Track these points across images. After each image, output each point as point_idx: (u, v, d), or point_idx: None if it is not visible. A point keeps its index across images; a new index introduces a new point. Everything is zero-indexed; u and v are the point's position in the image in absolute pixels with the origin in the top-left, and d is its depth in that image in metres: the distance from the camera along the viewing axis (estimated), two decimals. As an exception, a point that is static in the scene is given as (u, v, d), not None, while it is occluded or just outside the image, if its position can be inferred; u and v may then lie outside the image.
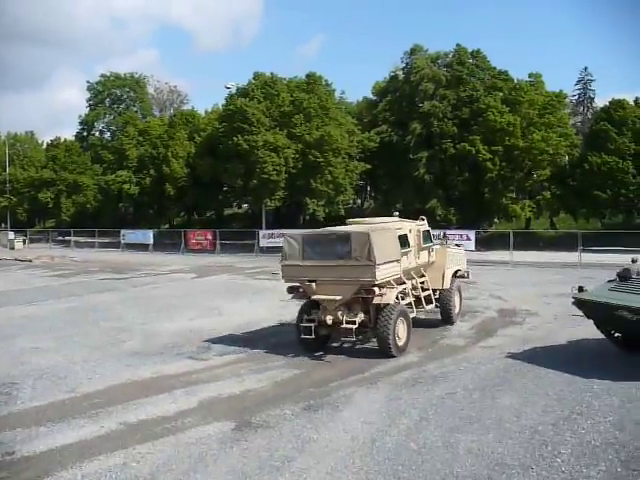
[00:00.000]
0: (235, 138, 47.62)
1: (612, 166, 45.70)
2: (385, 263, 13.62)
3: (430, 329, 16.34)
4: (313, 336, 13.64)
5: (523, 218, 51.35)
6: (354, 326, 13.33)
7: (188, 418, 9.29)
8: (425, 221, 17.40)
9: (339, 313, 13.69)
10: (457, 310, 17.53)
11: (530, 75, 52.71)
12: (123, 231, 55.44)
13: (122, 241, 54.51)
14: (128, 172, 58.58)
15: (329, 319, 13.58)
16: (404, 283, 14.85)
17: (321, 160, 47.38)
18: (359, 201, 65.59)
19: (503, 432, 8.26)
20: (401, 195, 51.58)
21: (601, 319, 12.53)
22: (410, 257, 15.49)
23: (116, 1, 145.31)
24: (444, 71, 53.43)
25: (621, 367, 11.38)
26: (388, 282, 13.98)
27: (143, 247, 52.00)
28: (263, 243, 46.18)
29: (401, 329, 13.76)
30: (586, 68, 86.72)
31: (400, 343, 13.65)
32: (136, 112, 75.63)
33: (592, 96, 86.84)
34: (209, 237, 49.90)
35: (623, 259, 26.48)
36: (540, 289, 23.26)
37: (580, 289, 12.61)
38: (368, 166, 51.86)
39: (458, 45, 54.11)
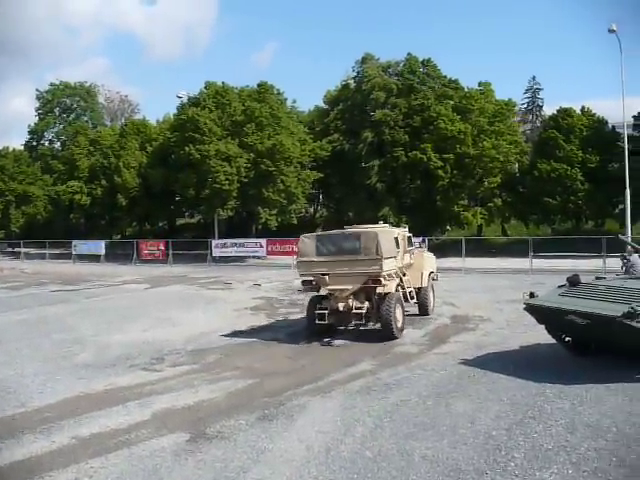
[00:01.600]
0: (187, 148, 47.39)
1: (561, 173, 46.47)
2: (388, 258, 16.27)
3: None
4: (327, 321, 16.08)
5: (475, 225, 51.90)
6: (363, 311, 16.14)
7: (142, 430, 9.14)
8: (407, 228, 20.30)
9: (349, 301, 16.25)
10: (432, 305, 20.20)
11: (480, 84, 53.48)
12: (74, 242, 54.54)
13: (74, 252, 53.67)
14: (79, 182, 57.90)
15: (341, 306, 16.17)
16: (399, 277, 17.59)
17: (273, 169, 47.37)
18: (311, 210, 65.63)
19: (457, 438, 8.28)
20: (353, 203, 51.78)
21: (552, 324, 12.67)
22: (399, 257, 17.75)
23: (68, 9, 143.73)
24: (395, 80, 53.85)
25: (572, 371, 11.49)
26: (389, 274, 16.57)
27: (95, 258, 51.37)
28: (216, 253, 45.98)
29: (399, 314, 16.37)
30: (534, 77, 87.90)
31: (399, 325, 16.26)
32: (87, 122, 74.90)
33: (541, 104, 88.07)
34: (161, 247, 49.46)
35: (573, 264, 26.92)
36: (492, 295, 23.46)
37: (531, 295, 12.74)
38: (320, 175, 51.99)
39: (409, 54, 54.73)
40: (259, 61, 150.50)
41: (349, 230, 18.19)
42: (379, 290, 16.29)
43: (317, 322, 16.21)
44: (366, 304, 16.31)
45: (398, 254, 17.58)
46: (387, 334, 15.83)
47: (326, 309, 16.25)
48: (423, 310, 19.59)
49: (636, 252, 17.13)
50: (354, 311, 16.16)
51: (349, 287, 16.20)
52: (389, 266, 16.42)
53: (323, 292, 16.91)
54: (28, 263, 52.95)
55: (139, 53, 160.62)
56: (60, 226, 61.78)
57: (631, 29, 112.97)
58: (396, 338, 15.76)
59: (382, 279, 16.09)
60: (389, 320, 15.76)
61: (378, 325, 16.57)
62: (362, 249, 15.96)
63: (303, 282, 17.33)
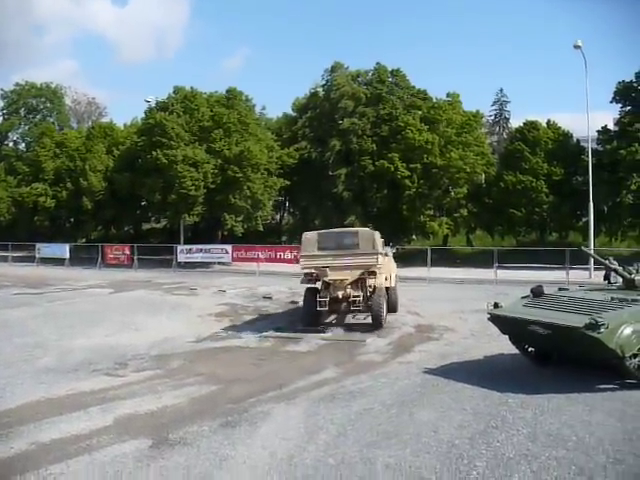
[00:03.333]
0: (154, 152, 47.04)
1: (526, 185, 46.93)
2: (380, 254, 18.98)
3: (348, 345, 16.43)
4: (327, 308, 18.70)
5: (440, 235, 52.13)
6: (360, 297, 18.61)
7: (103, 436, 9.04)
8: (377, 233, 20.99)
9: (347, 290, 18.75)
10: (397, 303, 22.12)
11: (448, 95, 53.76)
12: (38, 245, 53.84)
13: (37, 255, 52.92)
14: (44, 185, 57.11)
15: (340, 294, 18.72)
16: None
17: (240, 175, 47.21)
18: (278, 217, 65.58)
19: (421, 447, 8.31)
20: (320, 211, 51.85)
21: (515, 334, 12.79)
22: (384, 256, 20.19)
23: (35, 8, 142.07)
24: (364, 89, 53.97)
25: (534, 381, 11.60)
26: (379, 269, 19.01)
27: (59, 261, 50.71)
28: (181, 258, 45.70)
29: (385, 306, 18.76)
30: (502, 90, 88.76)
31: (385, 315, 18.75)
32: (53, 123, 73.93)
33: (507, 117, 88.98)
34: (127, 252, 49.03)
35: (537, 275, 27.15)
36: (457, 305, 23.53)
37: (495, 305, 12.84)
38: (287, 182, 51.86)
39: (378, 64, 54.83)
40: (230, 67, 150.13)
41: (347, 229, 21.55)
42: (371, 282, 18.93)
43: (318, 308, 18.55)
44: (361, 292, 18.82)
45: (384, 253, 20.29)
46: (377, 322, 18.30)
47: (326, 297, 18.59)
48: (392, 308, 21.11)
49: (596, 263, 17.32)
50: (352, 298, 18.66)
51: (347, 277, 18.74)
52: (381, 261, 19.16)
53: (318, 285, 19.40)
54: (-10, 266, 52.36)
55: (108, 55, 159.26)
56: (24, 228, 60.84)
57: (597, 45, 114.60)
58: (382, 326, 18.29)
59: (377, 271, 18.80)
60: (380, 310, 18.31)
61: (368, 319, 19.01)
62: (360, 245, 18.72)
63: (305, 275, 19.39)
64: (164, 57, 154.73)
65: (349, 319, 20.64)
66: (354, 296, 18.69)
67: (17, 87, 75.36)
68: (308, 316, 19.11)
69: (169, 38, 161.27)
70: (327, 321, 20.14)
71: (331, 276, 18.70)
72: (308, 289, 19.45)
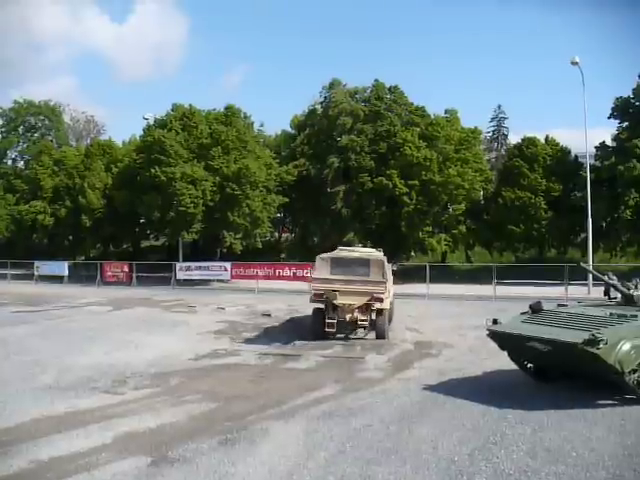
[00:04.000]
0: (152, 170, 47.00)
1: (525, 201, 47.02)
2: (387, 282, 20.52)
3: (347, 362, 16.42)
4: (335, 330, 19.69)
5: (439, 251, 52.09)
6: (366, 323, 19.94)
7: (103, 454, 9.02)
8: (382, 251, 23.53)
9: (355, 314, 19.86)
10: (393, 315, 23.23)
11: (446, 111, 53.84)
12: (37, 262, 53.55)
13: (36, 273, 52.65)
14: (42, 202, 57.07)
15: (348, 317, 19.95)
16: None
17: (239, 193, 47.17)
18: (276, 234, 65.52)
19: (420, 463, 8.29)
20: (319, 228, 51.91)
21: (514, 350, 12.78)
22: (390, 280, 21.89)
23: (34, 26, 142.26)
24: (362, 106, 54.06)
25: (534, 397, 11.59)
26: (385, 296, 20.05)
27: (58, 279, 50.57)
28: (180, 276, 45.58)
29: (388, 325, 20.56)
30: (500, 106, 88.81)
31: (388, 332, 20.32)
32: (51, 141, 73.86)
33: (505, 133, 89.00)
34: (125, 269, 48.91)
35: (536, 291, 27.14)
36: (456, 321, 23.54)
37: (494, 321, 12.83)
38: (286, 199, 51.90)
39: (376, 80, 54.91)
40: (229, 83, 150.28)
41: (359, 255, 21.38)
42: (378, 306, 19.83)
43: (327, 330, 19.59)
44: (367, 316, 20.01)
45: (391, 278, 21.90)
46: (381, 338, 19.80)
47: (334, 319, 19.67)
48: (390, 320, 22.04)
49: (595, 279, 17.32)
50: (359, 323, 19.96)
51: (356, 302, 19.73)
52: (388, 288, 20.69)
53: (322, 305, 20.28)
54: (-12, 284, 52.21)
55: (107, 72, 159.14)
56: (22, 246, 60.75)
57: (595, 61, 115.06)
58: (386, 339, 19.76)
59: (383, 298, 19.80)
60: (384, 330, 20.01)
61: (370, 334, 20.34)
62: (371, 273, 19.84)
63: (315, 295, 20.20)
64: (163, 74, 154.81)
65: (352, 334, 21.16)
66: (361, 320, 19.90)
67: (15, 105, 75.32)
68: (315, 334, 20.09)
69: (168, 55, 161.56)
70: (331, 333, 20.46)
71: (340, 300, 19.58)
72: (316, 308, 20.54)
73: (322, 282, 20.08)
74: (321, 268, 20.46)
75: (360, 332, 20.71)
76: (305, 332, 21.38)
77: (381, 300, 19.76)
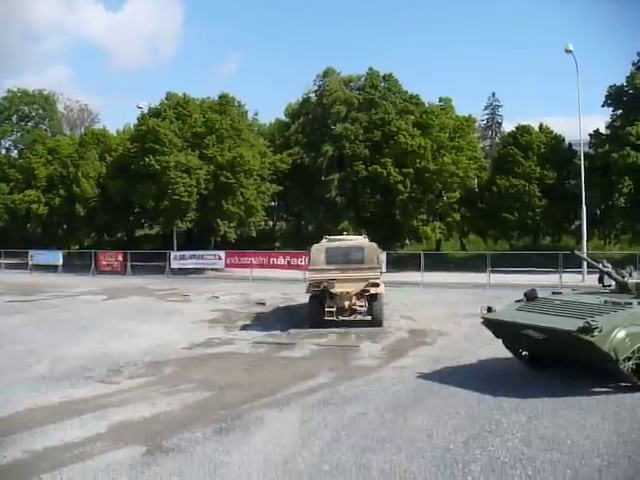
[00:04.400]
0: (147, 159, 46.96)
1: (519, 189, 47.08)
2: (381, 267, 21.81)
3: (342, 351, 16.41)
4: (335, 317, 20.13)
5: (434, 239, 52.11)
6: (364, 308, 20.35)
7: (97, 443, 8.98)
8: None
9: (353, 300, 20.25)
10: None
11: (440, 99, 53.91)
12: (31, 252, 53.53)
13: (30, 262, 52.58)
14: (36, 192, 56.93)
15: (346, 304, 20.22)
16: None
17: (233, 181, 47.17)
18: (271, 223, 65.53)
19: (415, 451, 8.29)
20: (313, 216, 52.05)
21: (509, 338, 12.78)
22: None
23: (28, 16, 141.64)
24: (356, 94, 54.07)
25: (529, 384, 11.59)
26: (381, 281, 20.64)
27: (52, 268, 50.54)
28: (174, 265, 45.61)
29: (383, 310, 20.85)
30: (494, 94, 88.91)
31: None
32: (45, 130, 73.67)
33: (500, 121, 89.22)
34: (120, 258, 48.86)
35: (530, 279, 27.16)
36: (450, 309, 23.56)
37: (489, 309, 12.82)
38: (280, 188, 52.02)
39: (370, 69, 54.92)
40: (223, 72, 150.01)
41: (353, 243, 22.44)
42: (373, 291, 20.16)
43: (327, 318, 20.10)
44: (364, 302, 20.39)
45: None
46: (378, 324, 20.14)
47: (333, 307, 20.09)
48: None
49: (589, 267, 17.31)
50: (357, 308, 20.42)
51: (353, 289, 20.11)
52: (382, 273, 21.76)
53: (318, 293, 20.46)
54: (-18, 273, 52.09)
55: (102, 62, 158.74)
56: (16, 236, 60.69)
57: (589, 48, 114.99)
58: (382, 326, 20.06)
59: (379, 283, 20.32)
60: (381, 315, 20.40)
61: (368, 317, 20.63)
62: (365, 259, 20.56)
63: (313, 284, 20.37)
64: (157, 63, 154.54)
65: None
66: (359, 306, 20.44)
67: (9, 94, 75.02)
68: (313, 322, 20.35)
69: (162, 44, 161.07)
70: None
71: (338, 288, 19.97)
72: (313, 296, 20.63)
73: (319, 272, 20.44)
74: (317, 258, 20.85)
75: (359, 317, 21.04)
76: (300, 320, 21.47)
77: (377, 285, 20.21)
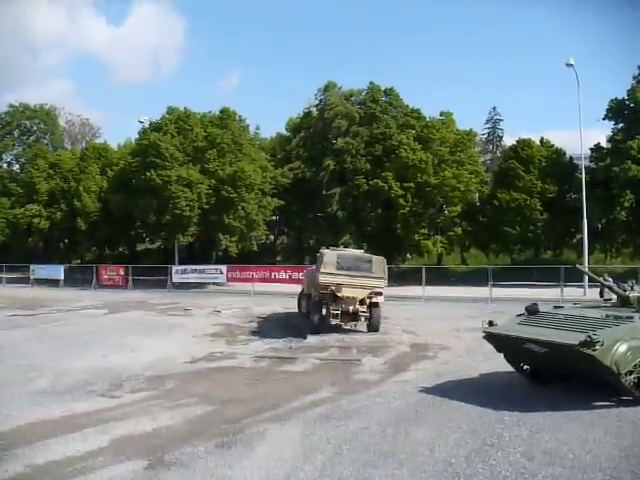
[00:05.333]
0: (148, 173, 47.02)
1: (520, 203, 47.09)
2: (386, 279, 22.69)
3: (343, 365, 16.41)
4: (339, 320, 22.09)
5: (435, 254, 52.17)
6: (367, 314, 22.19)
7: (99, 457, 8.96)
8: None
9: (356, 305, 21.97)
10: None
11: (441, 113, 53.95)
12: (32, 266, 53.59)
13: (31, 276, 52.70)
14: (38, 206, 56.97)
15: (351, 309, 21.91)
16: None
17: (234, 196, 47.23)
18: (272, 237, 65.53)
19: (417, 466, 8.27)
20: (314, 230, 52.01)
21: (511, 352, 12.76)
22: None
23: (29, 28, 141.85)
24: (357, 108, 54.21)
25: (530, 399, 11.56)
26: (384, 289, 22.73)
27: (53, 283, 50.56)
28: (176, 279, 45.69)
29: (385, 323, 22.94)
30: (495, 108, 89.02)
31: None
32: (46, 144, 73.81)
33: (501, 135, 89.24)
34: (121, 273, 48.95)
35: (532, 293, 27.11)
36: (452, 323, 23.54)
37: (490, 323, 12.80)
38: (281, 202, 51.99)
39: (371, 83, 55.14)
40: (225, 86, 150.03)
41: (362, 254, 24.86)
42: (375, 300, 22.32)
43: (332, 320, 22.02)
44: (366, 308, 22.20)
45: None
46: (374, 329, 22.21)
47: (338, 310, 21.77)
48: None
49: (590, 281, 17.30)
50: (360, 313, 22.12)
51: (358, 295, 21.87)
52: (386, 285, 22.92)
53: (315, 296, 22.79)
54: (-16, 288, 52.00)
55: (104, 75, 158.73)
56: (18, 250, 60.59)
57: (590, 62, 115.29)
58: (378, 331, 22.13)
59: (382, 292, 22.45)
60: (379, 321, 22.51)
61: (360, 326, 22.71)
62: (373, 270, 21.99)
63: (321, 287, 21.91)
64: (159, 77, 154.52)
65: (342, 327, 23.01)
66: (362, 311, 22.16)
67: (11, 108, 75.11)
68: (315, 326, 22.06)
69: (164, 58, 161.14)
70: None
71: (344, 293, 21.63)
72: (315, 301, 22.81)
73: (329, 276, 21.73)
74: (328, 264, 21.94)
75: (359, 325, 22.88)
76: (302, 332, 21.71)
77: (380, 294, 22.42)
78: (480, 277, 37.25)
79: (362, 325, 22.79)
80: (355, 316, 22.28)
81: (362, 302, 22.18)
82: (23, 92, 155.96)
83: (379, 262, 22.52)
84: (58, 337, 21.97)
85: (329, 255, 22.65)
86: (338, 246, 30.25)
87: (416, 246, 50.10)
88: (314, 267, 25.79)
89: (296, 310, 27.05)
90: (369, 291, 22.09)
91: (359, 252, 26.28)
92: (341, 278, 21.67)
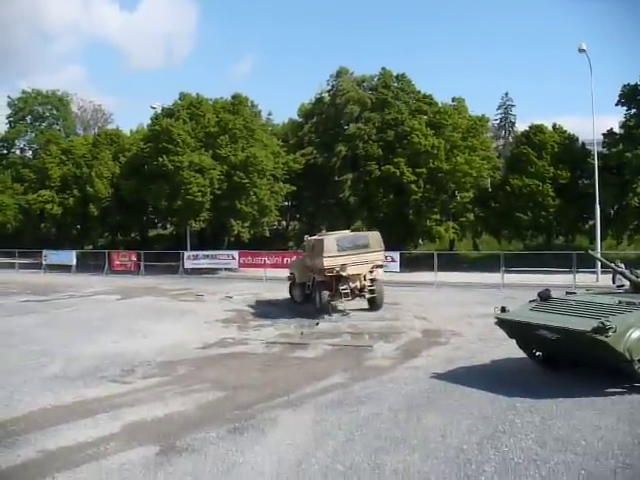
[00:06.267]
0: (160, 159, 46.96)
1: (532, 189, 46.72)
2: (383, 249, 24.84)
3: (355, 351, 16.41)
4: (351, 297, 23.64)
5: (447, 239, 51.90)
6: (373, 287, 23.82)
7: (111, 443, 9.03)
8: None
9: (362, 281, 23.80)
10: None
11: (454, 99, 53.60)
12: (45, 252, 53.67)
13: (44, 262, 52.71)
14: (50, 192, 56.98)
15: (358, 285, 23.74)
16: None
17: (246, 181, 47.15)
18: (284, 223, 65.45)
19: (429, 452, 8.28)
20: (326, 216, 51.78)
21: (523, 338, 12.74)
22: None
23: (43, 15, 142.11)
24: (369, 94, 53.97)
25: (542, 385, 11.56)
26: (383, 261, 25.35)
27: (66, 268, 50.58)
28: (188, 264, 45.72)
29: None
30: (507, 94, 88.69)
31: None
32: (59, 130, 73.73)
33: (513, 121, 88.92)
34: (133, 258, 48.94)
35: (544, 279, 27.04)
36: (464, 309, 23.52)
37: (502, 309, 12.79)
38: (293, 188, 51.87)
39: (383, 68, 54.79)
40: (237, 73, 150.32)
41: (358, 233, 27.76)
42: (376, 274, 24.25)
43: (343, 299, 23.64)
44: (370, 283, 23.90)
45: None
46: (379, 304, 24.11)
47: (347, 289, 23.39)
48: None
49: (603, 267, 17.22)
50: (367, 288, 23.80)
51: (362, 271, 23.72)
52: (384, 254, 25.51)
53: (319, 280, 23.92)
54: (-3, 273, 52.16)
55: (116, 61, 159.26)
56: (30, 236, 60.66)
57: (603, 47, 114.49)
58: (380, 307, 24.05)
59: (382, 264, 24.95)
60: (381, 297, 24.19)
61: (362, 304, 24.48)
62: (370, 244, 23.93)
63: (327, 269, 23.14)
64: (172, 63, 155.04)
65: (345, 305, 24.41)
66: (368, 286, 23.84)
67: (23, 95, 75.19)
68: (324, 306, 23.21)
69: (177, 44, 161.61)
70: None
71: (350, 271, 23.23)
72: (320, 282, 23.88)
73: (333, 259, 23.10)
74: (329, 247, 23.23)
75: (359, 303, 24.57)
76: (312, 316, 22.11)
77: (381, 267, 24.87)
78: (492, 263, 37.16)
79: (354, 304, 24.44)
80: (362, 291, 23.95)
81: (366, 278, 23.93)
82: (36, 78, 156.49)
83: (374, 236, 24.66)
84: (70, 323, 22.10)
85: (328, 240, 23.82)
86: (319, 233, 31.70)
87: (428, 232, 49.90)
88: (302, 255, 27.48)
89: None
90: (371, 265, 23.97)
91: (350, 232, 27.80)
92: (344, 258, 23.19)
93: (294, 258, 33.60)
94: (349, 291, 23.47)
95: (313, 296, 24.62)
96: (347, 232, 27.33)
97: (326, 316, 22.73)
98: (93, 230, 58.97)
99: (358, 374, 13.42)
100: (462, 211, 50.53)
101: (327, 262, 23.06)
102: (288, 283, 28.14)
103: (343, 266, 23.10)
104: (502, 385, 11.58)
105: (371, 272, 24.08)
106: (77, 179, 56.70)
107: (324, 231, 34.47)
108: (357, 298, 24.22)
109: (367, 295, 24.12)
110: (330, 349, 16.71)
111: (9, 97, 75.98)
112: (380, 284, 24.27)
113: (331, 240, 23.77)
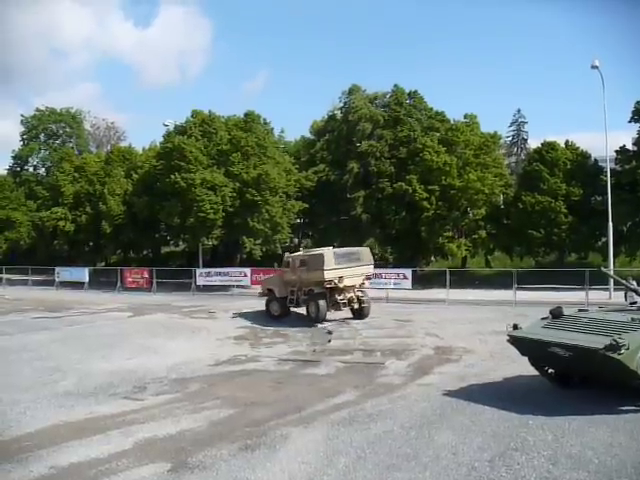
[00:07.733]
0: (172, 176, 47.06)
1: (545, 206, 46.57)
2: (372, 262, 27.87)
3: (367, 368, 16.39)
4: (347, 307, 26.36)
5: (459, 256, 51.83)
6: (366, 297, 26.69)
7: (123, 460, 9.05)
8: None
9: (356, 292, 26.42)
10: None
11: (466, 116, 53.57)
12: (58, 269, 53.92)
13: (57, 279, 52.96)
14: (63, 209, 57.30)
15: (353, 296, 26.22)
16: None
17: (258, 199, 47.21)
18: (296, 240, 65.47)
19: (440, 469, 8.26)
20: (338, 234, 51.75)
21: (535, 356, 12.70)
22: None
23: (57, 32, 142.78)
24: (382, 111, 54.05)
25: (555, 402, 11.51)
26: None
27: (78, 285, 50.78)
28: (200, 282, 45.75)
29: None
30: (519, 110, 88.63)
31: None
32: (72, 148, 74.16)
33: (525, 137, 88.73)
34: (145, 275, 49.12)
35: (556, 296, 26.94)
36: (476, 327, 23.46)
37: (515, 327, 12.77)
38: (305, 205, 51.93)
39: (396, 86, 54.87)
40: (250, 90, 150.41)
41: (352, 248, 28.81)
42: (365, 285, 27.33)
43: (342, 308, 26.31)
44: (360, 294, 26.67)
45: None
46: (366, 314, 26.62)
47: (344, 299, 26.00)
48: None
49: (616, 284, 17.15)
50: (360, 297, 26.50)
51: (356, 282, 26.38)
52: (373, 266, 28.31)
53: (317, 291, 26.06)
54: (10, 289, 52.05)
55: (130, 78, 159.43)
56: (43, 252, 61.02)
57: (615, 64, 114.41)
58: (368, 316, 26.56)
59: (370, 277, 28.10)
60: (369, 306, 26.85)
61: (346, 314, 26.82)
62: (362, 258, 26.80)
63: (326, 281, 25.47)
64: (185, 80, 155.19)
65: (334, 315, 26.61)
66: (359, 297, 26.59)
67: (37, 113, 75.82)
68: (322, 315, 25.66)
69: (190, 61, 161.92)
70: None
71: (346, 282, 25.80)
72: (319, 294, 25.94)
73: (332, 271, 25.41)
74: (329, 261, 25.43)
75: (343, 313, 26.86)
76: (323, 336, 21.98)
77: (369, 278, 28.28)
78: (504, 280, 37.06)
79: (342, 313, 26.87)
80: (351, 302, 26.41)
81: (357, 289, 26.68)
82: (51, 95, 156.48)
83: (365, 251, 28.09)
84: (83, 339, 22.14)
85: (328, 254, 26.09)
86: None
87: (440, 249, 49.88)
88: (281, 271, 28.87)
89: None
90: (363, 277, 26.91)
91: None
92: (341, 271, 25.65)
93: (269, 275, 34.47)
94: (346, 301, 26.17)
95: (307, 307, 26.48)
96: (331, 248, 28.90)
97: (326, 323, 25.41)
98: (105, 247, 59.15)
99: (370, 391, 13.40)
100: (474, 228, 50.43)
101: (328, 274, 25.35)
102: (264, 299, 29.47)
103: (341, 278, 25.62)
104: (514, 403, 11.54)
105: (362, 284, 26.96)
106: (90, 196, 56.96)
107: (306, 249, 38.41)
108: (344, 308, 26.58)
109: (355, 305, 26.54)
110: (342, 366, 16.70)
111: (22, 116, 76.75)
112: (367, 295, 27.17)
113: (329, 255, 25.98)
